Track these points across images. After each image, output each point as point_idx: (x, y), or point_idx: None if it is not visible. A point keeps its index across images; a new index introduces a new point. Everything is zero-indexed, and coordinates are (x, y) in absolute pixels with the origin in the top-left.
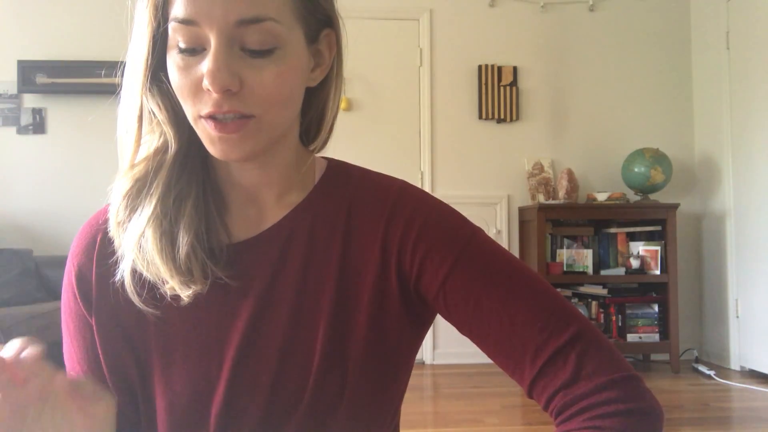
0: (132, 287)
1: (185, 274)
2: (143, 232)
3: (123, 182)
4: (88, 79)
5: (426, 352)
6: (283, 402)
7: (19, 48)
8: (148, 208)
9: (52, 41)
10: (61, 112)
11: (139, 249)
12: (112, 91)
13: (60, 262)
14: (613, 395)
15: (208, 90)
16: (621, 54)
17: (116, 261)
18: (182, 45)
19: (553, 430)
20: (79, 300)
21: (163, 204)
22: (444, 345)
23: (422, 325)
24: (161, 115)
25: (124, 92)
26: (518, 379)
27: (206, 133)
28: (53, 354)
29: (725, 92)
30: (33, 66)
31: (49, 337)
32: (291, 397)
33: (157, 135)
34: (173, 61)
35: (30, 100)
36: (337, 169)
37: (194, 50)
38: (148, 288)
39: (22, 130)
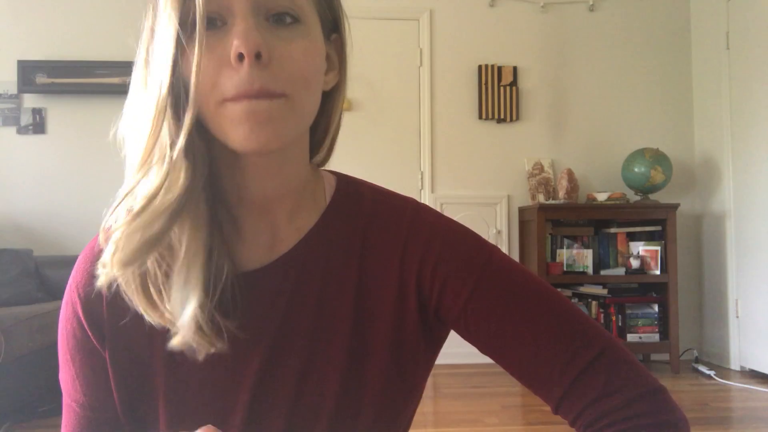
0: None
1: (199, 334)
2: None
3: (134, 231)
4: (88, 79)
5: None
6: (300, 428)
7: (19, 48)
8: (194, 260)
9: (52, 41)
10: (61, 112)
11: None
12: (111, 91)
13: (60, 262)
14: (643, 408)
15: (237, 61)
16: (621, 54)
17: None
18: (201, 20)
19: (553, 430)
20: (88, 331)
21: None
22: (444, 345)
23: (438, 345)
24: (177, 125)
25: (138, 127)
26: (544, 397)
27: (229, 118)
28: (53, 354)
29: (725, 92)
30: (33, 66)
31: (49, 337)
32: (307, 424)
33: (164, 163)
34: (192, 42)
35: (30, 100)
36: (348, 188)
37: (215, 25)
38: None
39: (22, 130)
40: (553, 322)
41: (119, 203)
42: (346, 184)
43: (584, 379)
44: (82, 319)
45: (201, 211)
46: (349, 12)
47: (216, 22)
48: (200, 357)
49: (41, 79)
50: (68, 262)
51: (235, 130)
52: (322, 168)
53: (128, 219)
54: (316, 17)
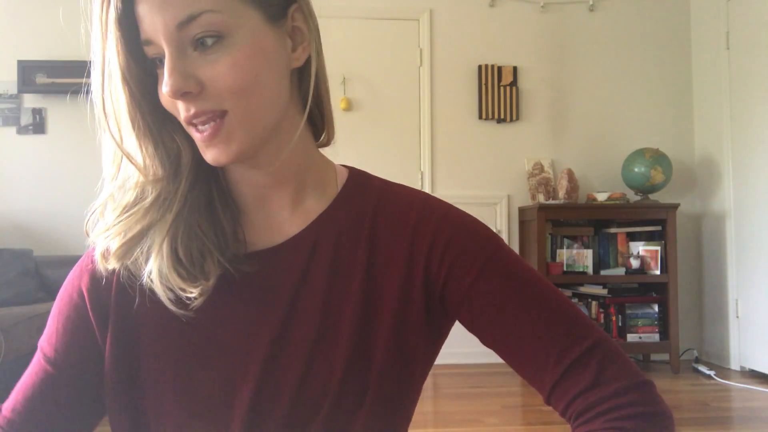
0: (163, 292)
1: (199, 276)
2: (161, 248)
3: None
4: (88, 79)
5: None
6: (306, 407)
7: (19, 48)
8: (163, 224)
9: (52, 41)
10: (61, 112)
11: (161, 261)
12: None
13: (60, 262)
14: (633, 399)
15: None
16: (621, 54)
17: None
18: (158, 62)
19: (553, 430)
20: (87, 302)
21: (179, 216)
22: (444, 345)
23: (439, 339)
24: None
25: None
26: (537, 385)
27: (196, 141)
28: None
29: (725, 92)
30: (33, 66)
31: None
32: (313, 403)
33: (164, 142)
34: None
35: (30, 100)
36: (359, 178)
37: (163, 64)
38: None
39: (22, 130)
40: (550, 314)
41: (98, 207)
42: (358, 174)
43: (577, 369)
44: (84, 290)
45: (183, 197)
46: (349, 12)
47: (163, 63)
48: (196, 304)
49: (41, 79)
50: (68, 262)
51: (202, 153)
52: (340, 165)
53: (115, 218)
54: (251, 11)
